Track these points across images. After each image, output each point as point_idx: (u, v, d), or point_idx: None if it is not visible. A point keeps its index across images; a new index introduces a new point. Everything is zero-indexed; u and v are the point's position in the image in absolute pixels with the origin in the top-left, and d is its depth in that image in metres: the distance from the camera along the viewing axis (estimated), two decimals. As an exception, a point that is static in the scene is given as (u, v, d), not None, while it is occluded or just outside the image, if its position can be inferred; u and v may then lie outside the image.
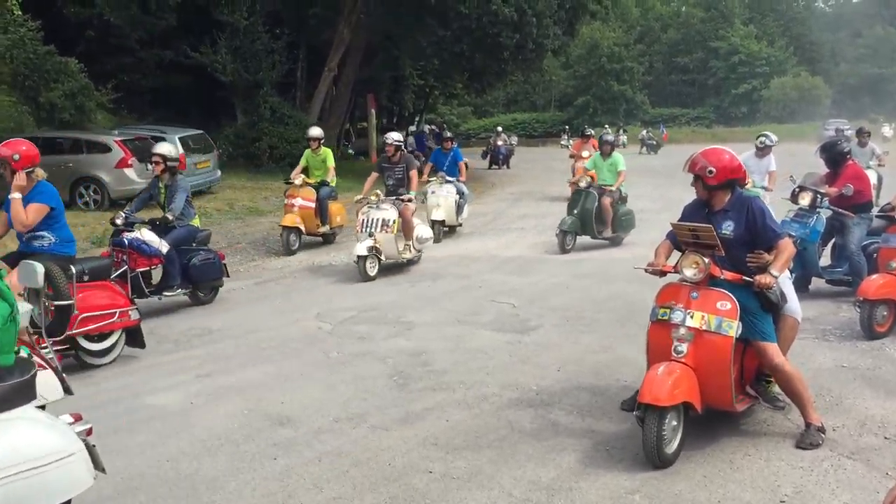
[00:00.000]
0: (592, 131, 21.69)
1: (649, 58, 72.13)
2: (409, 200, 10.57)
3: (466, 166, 15.85)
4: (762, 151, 10.77)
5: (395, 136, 11.15)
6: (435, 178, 14.01)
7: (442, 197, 13.71)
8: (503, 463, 4.69)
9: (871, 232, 8.33)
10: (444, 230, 13.69)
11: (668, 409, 4.46)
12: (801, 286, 8.86)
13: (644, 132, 44.67)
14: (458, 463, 4.70)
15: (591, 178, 12.69)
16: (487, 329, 7.76)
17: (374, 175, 11.06)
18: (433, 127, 38.39)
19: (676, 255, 5.00)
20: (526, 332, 7.64)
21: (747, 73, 66.88)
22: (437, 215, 13.53)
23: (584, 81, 68.38)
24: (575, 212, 12.31)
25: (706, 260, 4.62)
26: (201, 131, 18.64)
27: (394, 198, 10.65)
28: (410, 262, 11.27)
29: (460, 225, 14.49)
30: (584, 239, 12.51)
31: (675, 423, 4.57)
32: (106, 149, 15.78)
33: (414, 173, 10.82)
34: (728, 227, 4.78)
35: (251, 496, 4.31)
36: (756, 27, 69.77)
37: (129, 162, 15.56)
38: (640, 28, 73.34)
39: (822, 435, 4.83)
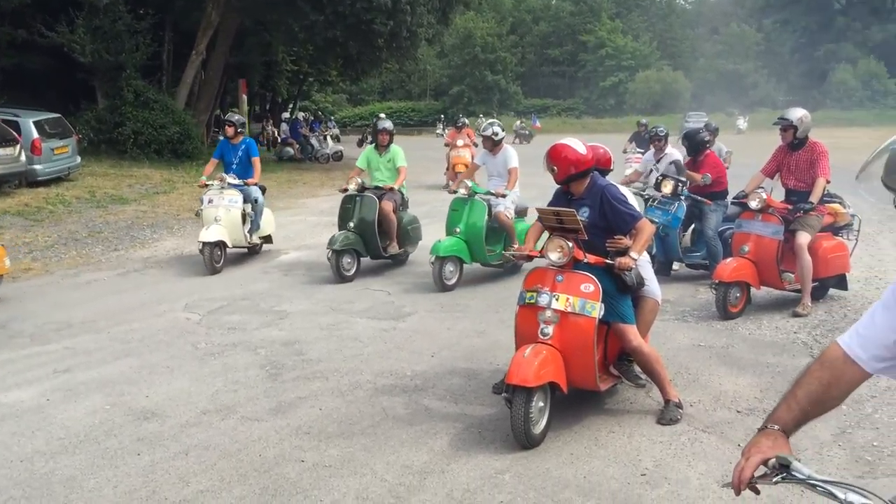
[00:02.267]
0: (467, 120, 21.93)
1: (522, 49, 73.75)
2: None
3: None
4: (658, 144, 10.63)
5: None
6: (213, 183, 10.28)
7: (222, 208, 9.96)
8: (376, 449, 4.68)
9: (727, 218, 8.81)
10: (220, 256, 9.93)
11: (535, 389, 4.56)
12: (664, 270, 9.30)
13: (518, 122, 45.58)
14: (331, 451, 4.66)
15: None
16: (362, 317, 7.73)
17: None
18: (308, 114, 37.77)
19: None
20: (401, 319, 7.66)
21: (614, 66, 69.42)
22: (210, 235, 9.72)
23: (458, 71, 69.18)
24: (350, 224, 9.44)
25: (570, 244, 4.74)
26: (59, 115, 17.57)
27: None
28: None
29: (257, 245, 11.01)
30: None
31: (542, 403, 4.69)
32: (-49, 132, 14.66)
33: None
34: (584, 214, 4.92)
35: (112, 493, 4.13)
36: (622, 22, 72.54)
37: (-21, 145, 14.52)
38: (513, 19, 74.83)
39: (681, 411, 5.06)
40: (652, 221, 8.98)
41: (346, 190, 9.62)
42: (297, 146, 28.34)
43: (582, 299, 4.72)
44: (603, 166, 5.51)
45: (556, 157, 4.98)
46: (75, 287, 9.28)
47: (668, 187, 9.09)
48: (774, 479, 1.92)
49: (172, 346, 6.77)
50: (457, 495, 4.09)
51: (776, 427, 2.04)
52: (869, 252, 10.19)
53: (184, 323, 7.57)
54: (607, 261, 4.81)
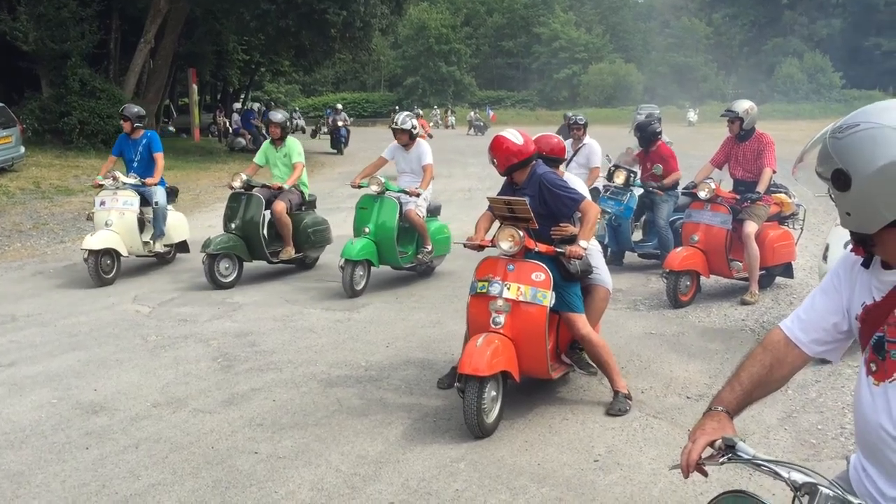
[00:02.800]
0: (421, 111, 21.89)
1: (476, 41, 73.87)
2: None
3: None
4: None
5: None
6: (107, 182, 8.91)
7: (115, 211, 8.73)
8: (331, 440, 4.66)
9: (678, 208, 8.94)
10: (112, 266, 8.76)
11: (487, 379, 4.56)
12: (616, 260, 9.42)
13: (472, 114, 45.67)
14: (285, 442, 4.62)
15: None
16: (316, 308, 7.68)
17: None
18: (261, 105, 37.34)
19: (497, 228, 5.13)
20: (355, 310, 7.63)
21: (567, 58, 69.93)
22: (96, 242, 8.44)
23: (413, 62, 69.03)
24: (232, 226, 8.56)
25: (521, 233, 4.76)
26: (1, 104, 17.11)
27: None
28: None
29: (165, 254, 9.70)
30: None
31: (494, 392, 4.69)
32: None
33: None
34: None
35: (61, 488, 4.04)
36: (575, 14, 73.07)
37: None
38: (467, 11, 74.89)
39: (629, 402, 5.09)
40: (604, 212, 9.17)
41: (232, 187, 8.76)
42: (250, 137, 27.98)
43: (533, 288, 4.75)
44: (556, 155, 5.54)
45: (496, 149, 5.05)
46: (20, 280, 9.06)
47: (620, 178, 9.20)
48: (721, 460, 1.96)
49: (121, 339, 6.65)
50: (412, 484, 4.09)
51: (720, 408, 2.10)
52: (814, 241, 10.43)
53: (133, 315, 7.44)
54: (558, 249, 4.83)
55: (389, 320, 7.28)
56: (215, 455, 4.45)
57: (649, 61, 71.22)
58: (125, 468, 4.28)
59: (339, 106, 29.06)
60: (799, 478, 1.79)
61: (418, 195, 8.23)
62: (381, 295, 8.17)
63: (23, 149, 17.23)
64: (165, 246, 9.48)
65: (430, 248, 8.45)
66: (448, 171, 20.10)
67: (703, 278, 7.87)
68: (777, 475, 1.83)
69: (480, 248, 5.11)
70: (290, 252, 8.80)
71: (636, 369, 5.86)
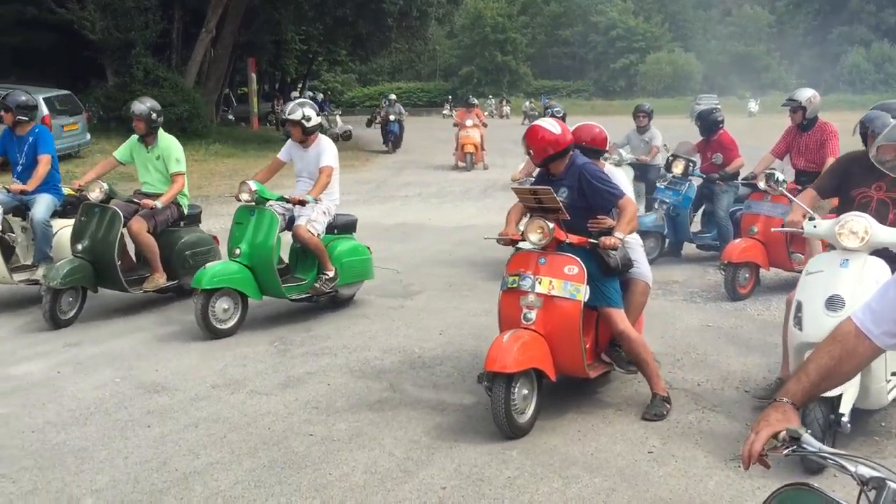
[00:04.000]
0: (476, 101, 21.85)
1: (532, 30, 73.30)
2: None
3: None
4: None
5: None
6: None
7: None
8: (384, 424, 4.71)
9: (738, 199, 8.77)
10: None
11: (516, 376, 4.39)
12: (675, 251, 9.29)
13: (527, 103, 45.41)
14: (340, 425, 4.69)
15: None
16: (371, 294, 7.73)
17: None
18: (317, 93, 37.66)
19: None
20: (409, 297, 7.67)
21: (625, 47, 68.96)
22: None
23: (468, 51, 68.81)
24: (79, 247, 6.70)
25: (550, 224, 4.58)
26: (68, 92, 17.61)
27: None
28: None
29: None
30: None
31: (525, 391, 4.52)
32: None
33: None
34: (563, 194, 4.73)
35: (123, 464, 4.17)
36: (633, 3, 71.90)
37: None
38: (524, 0, 74.26)
39: (668, 405, 4.84)
40: (662, 202, 9.05)
41: (80, 191, 7.05)
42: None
43: (566, 282, 4.55)
44: (597, 146, 5.42)
45: (531, 139, 4.84)
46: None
47: (678, 167, 9.06)
48: (785, 452, 1.93)
49: (182, 322, 6.80)
50: (464, 470, 4.11)
51: (786, 400, 2.06)
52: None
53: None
54: (591, 241, 4.64)
55: (442, 308, 7.30)
56: (271, 436, 4.54)
57: (709, 50, 69.78)
58: (185, 446, 4.39)
59: (393, 97, 25.71)
60: (866, 472, 1.75)
61: (303, 204, 6.58)
62: (433, 282, 8.20)
63: (88, 136, 17.73)
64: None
65: (331, 273, 6.76)
66: (503, 162, 20.05)
67: (762, 271, 7.71)
68: (843, 469, 1.79)
69: (513, 242, 4.93)
70: (157, 280, 6.93)
71: (692, 362, 5.78)
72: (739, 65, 64.48)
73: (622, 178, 5.19)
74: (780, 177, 6.31)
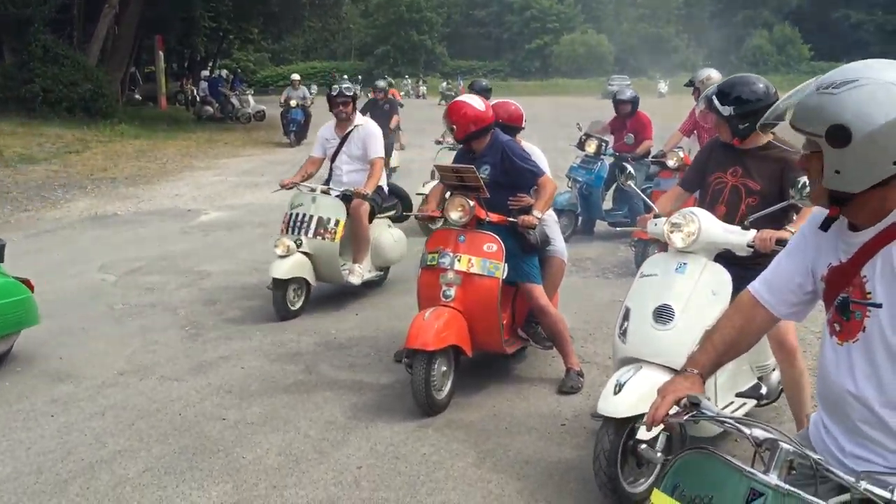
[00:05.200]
0: (393, 80, 21.70)
1: (448, 9, 73.13)
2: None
3: None
4: None
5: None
6: None
7: None
8: (300, 406, 4.66)
9: (648, 177, 8.98)
10: None
11: (436, 353, 4.42)
12: (587, 229, 9.46)
13: (444, 84, 45.38)
14: (254, 409, 4.61)
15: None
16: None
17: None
18: (229, 73, 36.72)
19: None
20: (324, 278, 7.59)
21: (539, 28, 69.62)
22: None
23: (383, 30, 68.29)
24: None
25: (471, 203, 4.61)
26: (-39, 70, 16.71)
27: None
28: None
29: None
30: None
31: (444, 368, 4.56)
32: None
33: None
34: (485, 171, 4.76)
35: (25, 455, 4.00)
36: (547, -17, 72.45)
37: None
38: (439, -21, 74.01)
39: (582, 379, 4.94)
40: (575, 181, 9.19)
41: None
42: (217, 105, 27.59)
43: (485, 259, 4.60)
44: (513, 122, 5.45)
45: (454, 114, 4.83)
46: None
47: (591, 147, 9.21)
48: (685, 417, 1.99)
49: (87, 308, 6.57)
50: (380, 449, 4.10)
51: (695, 371, 2.13)
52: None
53: (99, 284, 7.35)
54: (510, 219, 4.70)
55: (359, 288, 7.25)
56: (182, 422, 4.43)
57: (621, 32, 71.04)
58: (91, 435, 4.25)
59: (296, 77, 21.47)
60: (760, 434, 1.82)
61: None
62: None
63: (-17, 116, 16.86)
64: None
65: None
66: (420, 141, 19.95)
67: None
68: (739, 431, 1.87)
69: (432, 219, 4.98)
70: None
71: (604, 336, 5.90)
72: (650, 46, 65.84)
73: (541, 157, 5.23)
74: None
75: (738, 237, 3.63)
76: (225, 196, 12.47)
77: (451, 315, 4.55)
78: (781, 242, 3.43)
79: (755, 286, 2.20)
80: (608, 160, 9.23)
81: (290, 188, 6.72)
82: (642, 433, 3.35)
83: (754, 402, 3.96)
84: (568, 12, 71.01)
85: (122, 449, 4.09)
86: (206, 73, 34.40)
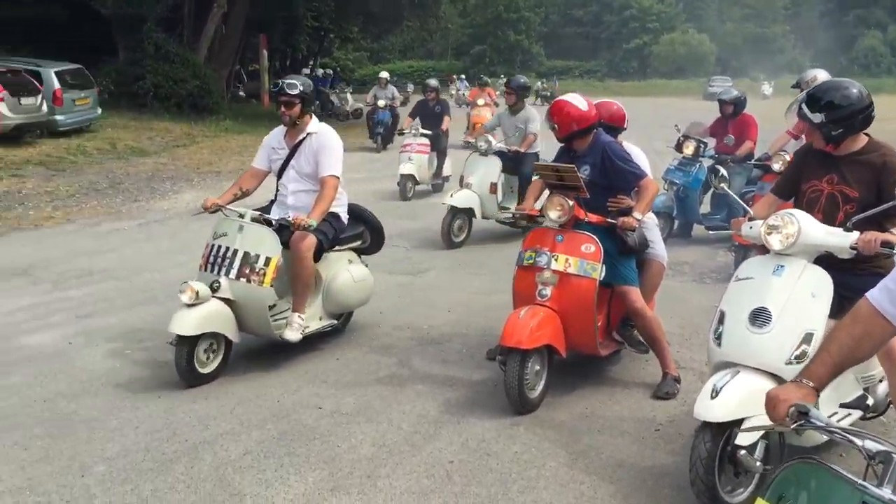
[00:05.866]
0: (489, 80, 21.74)
1: (545, 9, 72.71)
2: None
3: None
4: None
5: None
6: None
7: None
8: (393, 399, 4.73)
9: (750, 181, 8.72)
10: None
11: (530, 352, 4.41)
12: (684, 232, 9.25)
13: (539, 83, 45.14)
14: (348, 399, 4.71)
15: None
16: (380, 271, 7.69)
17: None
18: (328, 71, 37.50)
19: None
20: (417, 275, 7.69)
21: (638, 28, 68.50)
22: None
23: (480, 30, 68.46)
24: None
25: (570, 202, 4.57)
26: (80, 66, 17.60)
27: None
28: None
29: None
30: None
31: (538, 367, 4.55)
32: (-27, 81, 14.68)
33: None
34: (584, 172, 4.72)
35: (133, 434, 4.21)
36: (648, -17, 71.18)
37: (0, 96, 14.56)
38: (537, -22, 73.67)
39: (678, 385, 4.86)
40: (672, 183, 9.00)
41: None
42: (318, 103, 28.21)
43: (582, 260, 4.56)
44: (615, 123, 5.39)
45: (557, 114, 4.80)
46: (96, 236, 9.36)
47: (689, 148, 9.00)
48: (794, 426, 1.94)
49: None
50: (472, 445, 4.13)
51: (810, 384, 2.06)
52: None
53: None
54: (609, 220, 4.65)
55: (450, 286, 7.32)
56: (280, 409, 4.57)
57: (723, 32, 69.12)
58: (194, 417, 4.43)
59: (384, 75, 19.75)
60: (873, 446, 1.75)
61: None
62: (441, 261, 8.22)
63: (99, 110, 17.75)
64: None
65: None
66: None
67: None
68: (851, 443, 1.80)
69: (530, 218, 4.95)
70: None
71: (700, 342, 5.76)
72: (753, 47, 63.85)
73: (642, 158, 5.16)
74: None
75: (841, 239, 3.49)
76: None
77: (547, 314, 4.54)
78: (887, 245, 3.32)
79: (875, 295, 2.09)
80: (706, 162, 9.01)
81: (214, 211, 5.33)
82: (741, 439, 3.27)
83: (860, 413, 3.78)
84: (669, 12, 69.59)
85: (224, 432, 4.25)
86: (307, 71, 35.21)
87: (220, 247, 5.12)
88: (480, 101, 19.03)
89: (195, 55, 23.54)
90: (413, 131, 12.33)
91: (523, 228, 8.66)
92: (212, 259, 5.12)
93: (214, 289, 4.96)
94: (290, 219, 5.01)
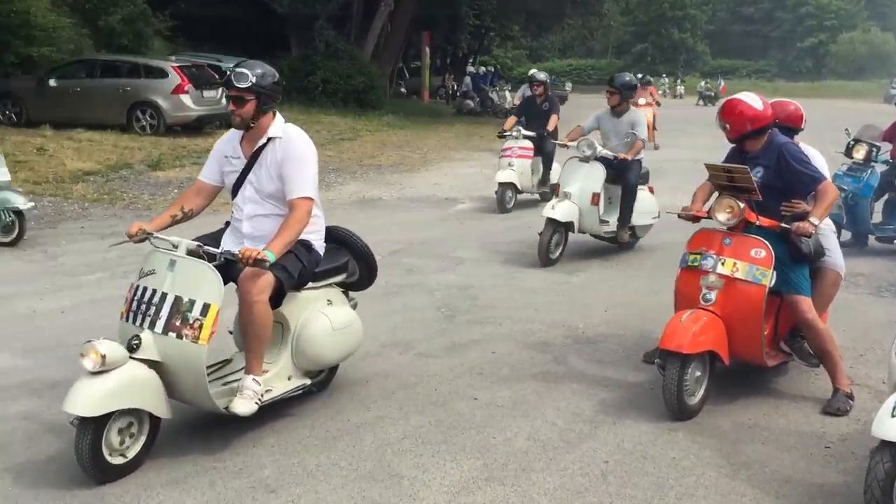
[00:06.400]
0: (651, 78, 21.23)
1: (713, 6, 70.00)
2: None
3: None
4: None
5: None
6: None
7: None
8: (547, 395, 4.74)
9: None
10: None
11: (690, 357, 4.28)
12: (860, 241, 8.69)
13: (702, 83, 43.62)
14: (503, 392, 4.76)
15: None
16: (535, 268, 7.76)
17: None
18: (488, 69, 37.82)
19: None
20: (574, 273, 7.65)
21: (814, 25, 64.71)
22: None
23: (643, 28, 66.90)
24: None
25: (741, 204, 4.37)
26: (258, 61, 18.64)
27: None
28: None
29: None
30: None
31: (698, 373, 4.40)
32: (163, 74, 15.89)
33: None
34: (757, 173, 4.49)
35: (298, 410, 4.43)
36: (827, -22, 67.09)
37: (186, 88, 15.66)
38: (706, -24, 71.09)
39: (851, 402, 4.58)
40: (840, 189, 8.45)
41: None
42: (478, 100, 28.57)
43: (751, 265, 4.36)
44: (792, 124, 5.11)
45: (729, 113, 4.60)
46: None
47: (860, 153, 8.43)
48: None
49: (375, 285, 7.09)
50: (628, 447, 4.08)
51: None
52: None
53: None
54: (783, 225, 4.42)
55: (607, 286, 7.23)
56: (438, 397, 4.68)
57: (911, 31, 64.19)
58: (356, 399, 4.62)
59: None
60: None
61: None
62: (598, 261, 8.13)
63: (272, 104, 18.72)
64: None
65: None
66: (673, 141, 19.48)
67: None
68: None
69: (696, 219, 4.73)
70: None
71: (877, 358, 5.41)
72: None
73: (820, 161, 4.88)
74: None
75: None
76: (480, 187, 12.86)
77: (710, 319, 4.39)
78: None
79: None
80: (879, 168, 8.39)
81: (141, 240, 3.98)
82: None
83: None
84: (849, 9, 65.29)
85: (384, 415, 4.41)
86: (471, 69, 35.70)
87: (145, 289, 3.80)
88: (641, 101, 18.59)
89: (362, 52, 24.40)
90: (515, 133, 10.88)
91: (623, 245, 8.39)
92: (134, 306, 3.80)
93: (133, 348, 3.65)
94: (234, 253, 3.75)
